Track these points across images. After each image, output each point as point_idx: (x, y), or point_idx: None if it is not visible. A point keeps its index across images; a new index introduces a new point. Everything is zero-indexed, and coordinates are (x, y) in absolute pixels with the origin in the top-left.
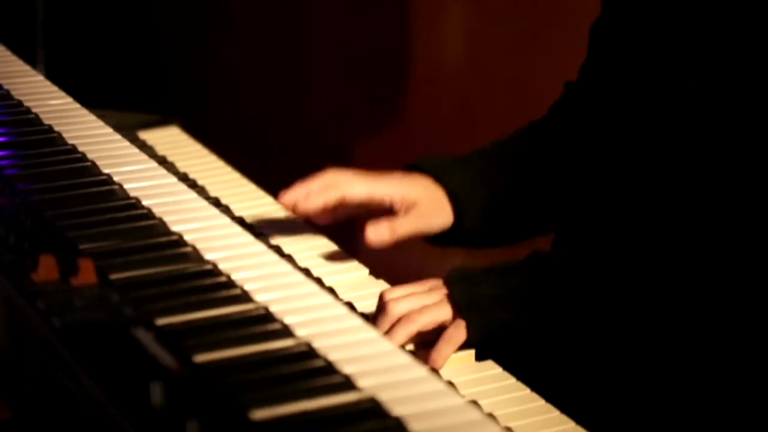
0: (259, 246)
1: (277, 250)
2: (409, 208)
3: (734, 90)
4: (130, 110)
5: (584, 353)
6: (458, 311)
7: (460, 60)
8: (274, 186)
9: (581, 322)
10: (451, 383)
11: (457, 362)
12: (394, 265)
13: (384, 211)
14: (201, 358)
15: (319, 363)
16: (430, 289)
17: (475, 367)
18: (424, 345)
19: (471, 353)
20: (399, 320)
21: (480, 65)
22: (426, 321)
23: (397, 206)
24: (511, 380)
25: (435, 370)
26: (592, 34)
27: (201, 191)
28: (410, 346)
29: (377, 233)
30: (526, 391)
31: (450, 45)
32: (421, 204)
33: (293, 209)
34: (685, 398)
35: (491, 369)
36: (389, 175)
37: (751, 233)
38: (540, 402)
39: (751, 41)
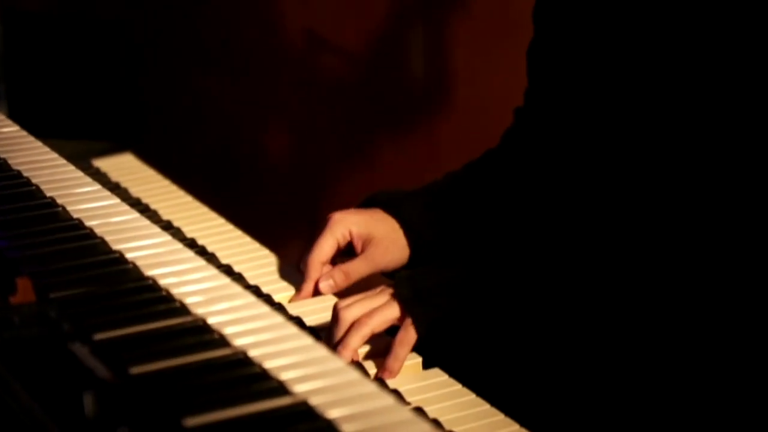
0: (199, 261)
1: (228, 269)
2: (365, 242)
3: (674, 100)
4: (87, 139)
5: (525, 344)
6: (404, 307)
7: (425, 91)
8: (234, 211)
9: (518, 309)
10: (397, 391)
11: (405, 371)
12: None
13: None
14: (137, 369)
15: (253, 370)
16: (378, 293)
17: (421, 375)
18: (377, 354)
19: (418, 362)
20: (352, 326)
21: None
22: (377, 323)
23: (355, 241)
24: (457, 386)
25: (382, 379)
26: (529, 58)
27: (153, 215)
28: (363, 355)
29: (330, 283)
30: (471, 396)
31: (417, 75)
32: (377, 239)
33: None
34: (641, 394)
35: (437, 376)
36: (348, 213)
37: (719, 238)
38: (485, 406)
39: (683, 55)
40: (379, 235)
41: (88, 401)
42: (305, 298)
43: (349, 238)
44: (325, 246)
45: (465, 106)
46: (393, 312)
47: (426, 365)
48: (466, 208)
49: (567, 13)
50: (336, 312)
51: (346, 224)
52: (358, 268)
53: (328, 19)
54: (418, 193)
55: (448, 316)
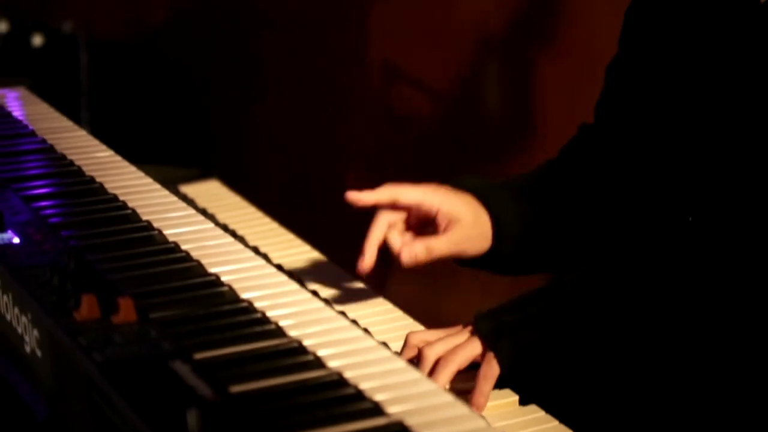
0: (293, 285)
1: (314, 294)
2: (451, 223)
3: (751, 126)
4: (172, 165)
5: (609, 369)
6: (486, 342)
7: (504, 126)
8: (315, 236)
9: (601, 337)
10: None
11: (502, 408)
12: (429, 307)
13: (429, 220)
14: (236, 388)
15: (349, 391)
16: (458, 331)
17: (519, 412)
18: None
19: (515, 399)
20: (437, 363)
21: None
22: (461, 359)
23: (440, 218)
24: (554, 423)
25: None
26: (608, 74)
27: (240, 240)
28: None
29: (412, 254)
30: None
31: (497, 110)
32: (463, 223)
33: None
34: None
35: (535, 413)
36: (440, 187)
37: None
38: None
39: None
40: (466, 220)
41: (191, 418)
42: (368, 263)
43: (434, 215)
44: (409, 194)
45: (545, 142)
46: (475, 348)
47: (522, 402)
48: (539, 220)
49: (654, 41)
50: (420, 351)
51: (436, 199)
52: (440, 247)
53: (406, 51)
54: (503, 186)
55: (529, 349)
